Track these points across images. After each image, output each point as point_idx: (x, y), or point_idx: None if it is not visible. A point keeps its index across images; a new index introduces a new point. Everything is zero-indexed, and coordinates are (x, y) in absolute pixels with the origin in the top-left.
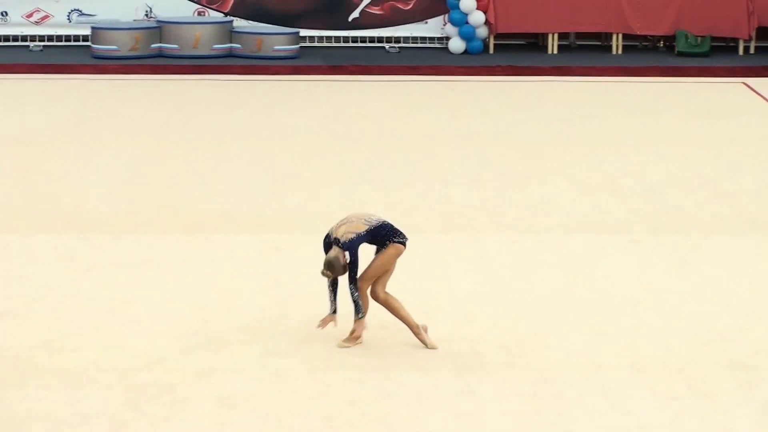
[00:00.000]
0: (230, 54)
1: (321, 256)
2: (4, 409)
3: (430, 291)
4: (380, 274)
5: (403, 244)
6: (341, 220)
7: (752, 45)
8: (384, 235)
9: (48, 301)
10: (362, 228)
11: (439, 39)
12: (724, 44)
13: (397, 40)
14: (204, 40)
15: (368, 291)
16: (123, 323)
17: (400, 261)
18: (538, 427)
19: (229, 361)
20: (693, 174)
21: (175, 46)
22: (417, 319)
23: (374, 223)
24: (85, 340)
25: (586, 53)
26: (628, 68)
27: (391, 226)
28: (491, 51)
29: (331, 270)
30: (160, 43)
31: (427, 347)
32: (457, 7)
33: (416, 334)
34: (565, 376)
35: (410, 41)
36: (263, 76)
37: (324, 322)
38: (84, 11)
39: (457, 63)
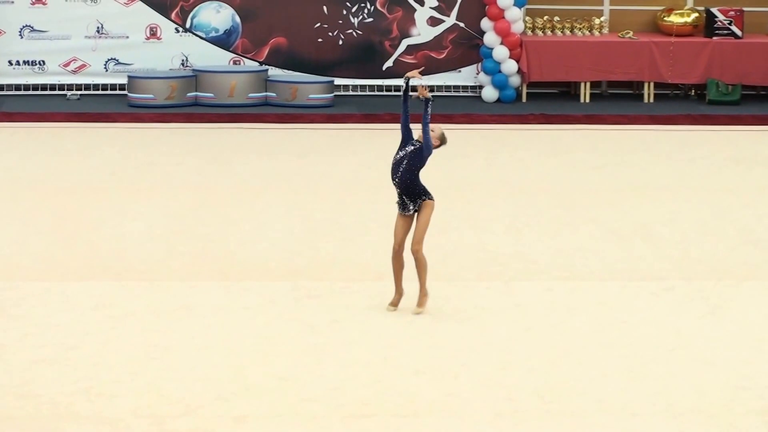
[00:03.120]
0: (265, 102)
1: (356, 304)
2: None
3: (464, 337)
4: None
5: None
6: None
7: None
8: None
9: (85, 348)
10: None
11: (473, 87)
12: (754, 93)
13: (431, 88)
14: (239, 89)
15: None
16: (160, 370)
17: (435, 307)
18: None
19: (264, 407)
20: (725, 221)
21: (211, 94)
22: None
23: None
24: (122, 386)
25: (617, 102)
26: (660, 116)
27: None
28: (524, 99)
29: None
30: (196, 91)
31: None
32: (490, 56)
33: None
34: (600, 422)
35: (444, 90)
36: (298, 124)
37: None
38: (120, 60)
39: (490, 111)
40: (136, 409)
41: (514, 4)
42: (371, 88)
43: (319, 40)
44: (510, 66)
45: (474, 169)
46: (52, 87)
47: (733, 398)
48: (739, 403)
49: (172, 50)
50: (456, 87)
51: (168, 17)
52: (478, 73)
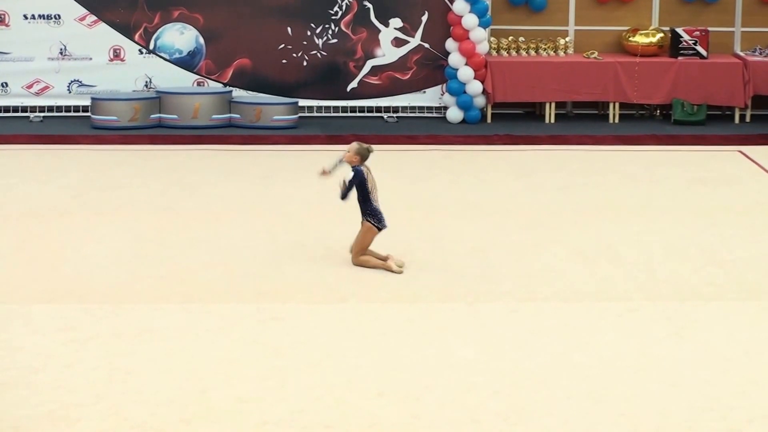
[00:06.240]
0: (229, 124)
1: (319, 326)
2: None
3: (428, 359)
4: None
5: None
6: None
7: (748, 113)
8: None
9: (48, 372)
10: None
11: (437, 108)
12: (720, 113)
13: (395, 109)
14: (203, 111)
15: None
16: (123, 393)
17: (398, 328)
18: None
19: (227, 430)
20: (690, 242)
21: (175, 116)
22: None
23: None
24: (85, 410)
25: (583, 122)
26: (625, 137)
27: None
28: (489, 120)
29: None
30: (160, 113)
31: (395, 272)
32: (454, 77)
33: (387, 268)
34: None
35: (408, 111)
36: (262, 145)
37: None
38: (84, 82)
39: (454, 132)
40: None
41: (479, 25)
42: (336, 109)
43: (283, 61)
44: (475, 87)
45: (439, 190)
46: (15, 109)
47: (697, 419)
48: (703, 424)
49: (136, 72)
50: (421, 108)
51: (131, 39)
52: (442, 94)
